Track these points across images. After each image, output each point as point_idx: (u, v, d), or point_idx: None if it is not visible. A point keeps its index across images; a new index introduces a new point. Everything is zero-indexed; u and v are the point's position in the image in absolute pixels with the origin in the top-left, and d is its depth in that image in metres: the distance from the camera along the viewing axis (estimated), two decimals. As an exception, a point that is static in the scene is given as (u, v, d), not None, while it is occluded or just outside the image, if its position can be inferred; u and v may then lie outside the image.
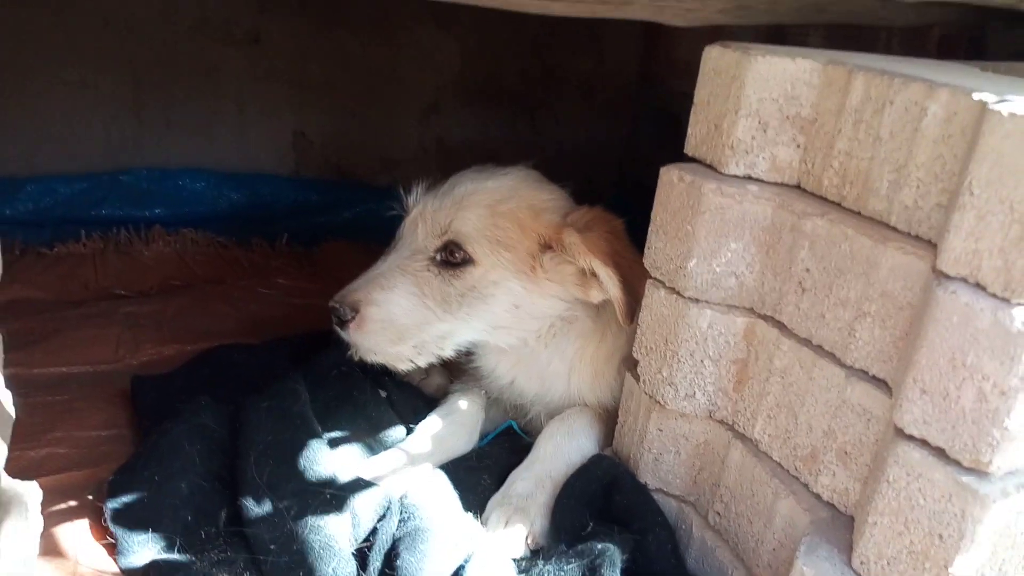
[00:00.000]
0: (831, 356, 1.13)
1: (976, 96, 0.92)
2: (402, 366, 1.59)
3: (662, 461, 1.42)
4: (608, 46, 3.61)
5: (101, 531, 1.37)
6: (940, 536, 0.91)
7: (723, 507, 1.33)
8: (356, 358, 1.59)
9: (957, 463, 0.90)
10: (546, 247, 1.57)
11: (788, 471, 1.21)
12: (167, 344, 2.11)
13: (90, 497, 1.44)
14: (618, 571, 1.20)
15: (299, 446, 1.43)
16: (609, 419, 1.63)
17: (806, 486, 1.18)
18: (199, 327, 2.22)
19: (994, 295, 0.85)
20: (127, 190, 2.93)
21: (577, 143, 3.67)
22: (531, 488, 1.46)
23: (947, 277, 0.91)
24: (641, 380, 1.42)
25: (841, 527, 1.11)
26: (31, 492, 1.02)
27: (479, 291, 1.56)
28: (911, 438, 0.95)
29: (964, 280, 0.89)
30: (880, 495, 0.99)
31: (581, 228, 1.54)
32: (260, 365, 1.90)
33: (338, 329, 1.57)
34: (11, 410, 1.04)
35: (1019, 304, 0.83)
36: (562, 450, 1.55)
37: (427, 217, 1.59)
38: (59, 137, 2.85)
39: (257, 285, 2.57)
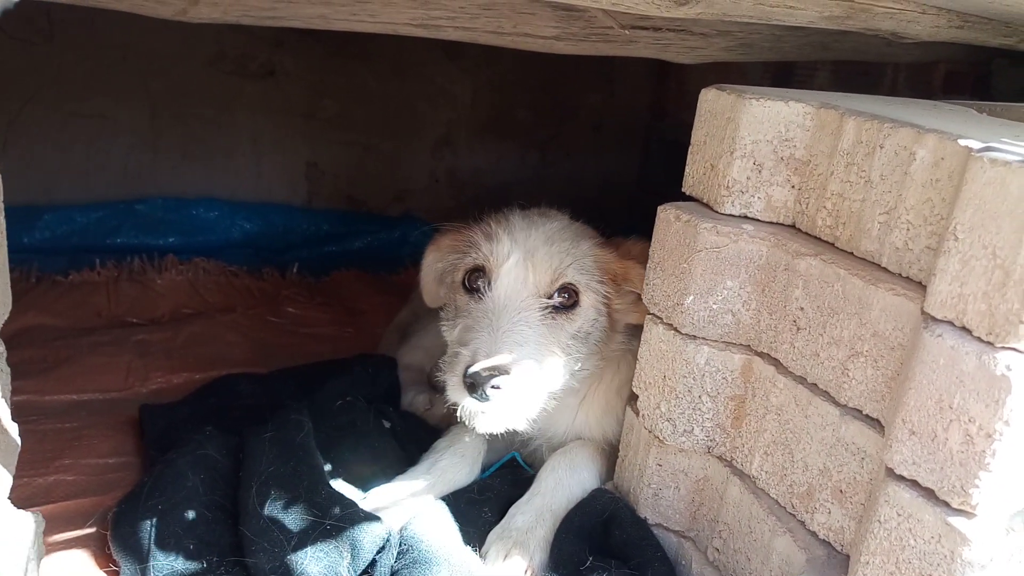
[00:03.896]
0: (825, 394, 1.14)
1: (962, 142, 0.94)
2: (523, 425, 1.52)
3: (662, 496, 1.43)
4: (619, 79, 3.66)
5: (105, 559, 1.39)
6: (929, 578, 0.92)
7: (722, 543, 1.33)
8: (485, 432, 1.50)
9: (946, 504, 0.90)
10: (612, 281, 1.60)
11: (785, 508, 1.21)
12: (176, 372, 2.14)
13: (93, 528, 1.46)
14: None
15: (300, 476, 1.45)
16: (611, 452, 1.64)
17: (803, 524, 1.18)
18: (208, 355, 2.25)
19: (979, 339, 0.86)
20: (143, 219, 2.99)
21: (587, 175, 3.71)
22: (531, 522, 1.46)
23: (934, 320, 0.92)
24: (641, 415, 1.43)
25: (836, 566, 1.11)
26: (32, 522, 1.04)
27: (584, 330, 1.58)
28: (901, 478, 0.95)
29: (951, 323, 0.90)
30: (872, 535, 0.99)
31: (641, 260, 1.53)
32: (266, 395, 1.93)
33: (475, 403, 1.42)
34: (16, 440, 1.06)
35: (1003, 348, 0.84)
36: (563, 484, 1.55)
37: (537, 263, 1.55)
38: (78, 167, 2.92)
39: (267, 313, 2.61)
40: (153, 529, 1.37)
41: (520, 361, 1.44)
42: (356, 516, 1.38)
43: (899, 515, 0.95)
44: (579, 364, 1.58)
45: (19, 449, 1.08)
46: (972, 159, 0.87)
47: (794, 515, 1.19)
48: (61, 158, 2.89)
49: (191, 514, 1.40)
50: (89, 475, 1.67)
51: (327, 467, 1.57)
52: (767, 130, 1.20)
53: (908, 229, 1.02)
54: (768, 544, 1.21)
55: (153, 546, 1.34)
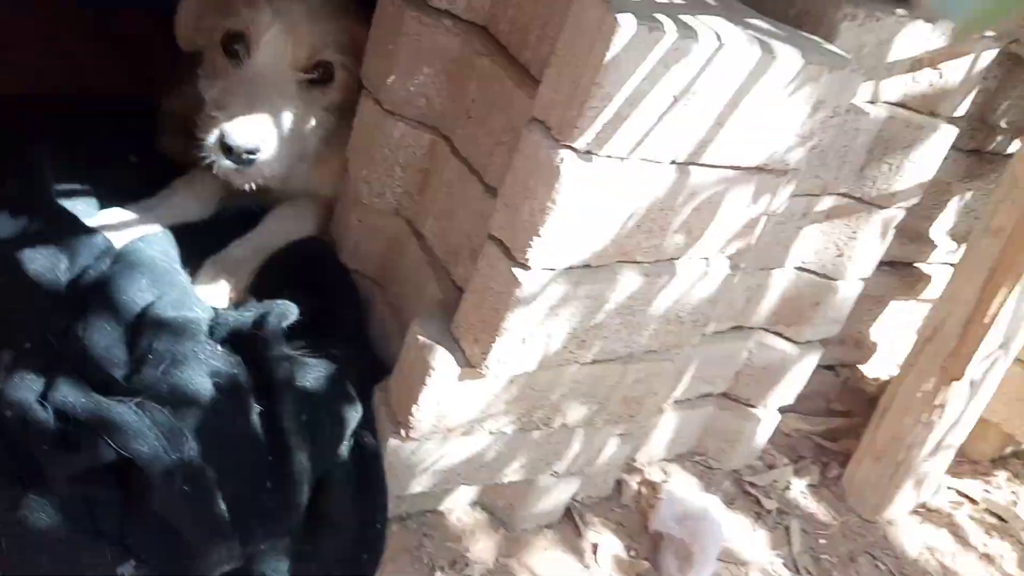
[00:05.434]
0: (477, 174, 1.40)
1: None
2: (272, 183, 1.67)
3: (360, 247, 1.68)
4: None
5: None
6: (496, 310, 1.24)
7: (398, 287, 1.62)
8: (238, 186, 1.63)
9: (514, 259, 1.21)
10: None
11: (439, 261, 1.50)
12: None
13: None
14: (288, 321, 1.47)
15: (33, 194, 1.57)
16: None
17: (448, 273, 1.48)
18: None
19: (554, 138, 1.13)
20: None
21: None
22: (246, 254, 1.67)
23: (534, 120, 1.17)
24: (350, 177, 1.65)
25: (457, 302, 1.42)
26: None
27: (335, 104, 1.72)
28: (495, 239, 1.25)
29: (542, 123, 1.16)
30: (474, 277, 1.30)
31: None
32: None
33: (230, 164, 1.57)
34: None
35: (563, 145, 1.11)
36: (284, 228, 1.75)
37: (297, 37, 1.61)
38: None
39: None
40: None
41: (273, 128, 1.57)
42: (77, 228, 1.54)
43: (489, 266, 1.25)
44: (325, 131, 1.74)
45: None
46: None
47: (445, 267, 1.49)
48: None
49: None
50: None
51: (62, 187, 1.68)
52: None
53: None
54: (424, 288, 1.51)
55: None
